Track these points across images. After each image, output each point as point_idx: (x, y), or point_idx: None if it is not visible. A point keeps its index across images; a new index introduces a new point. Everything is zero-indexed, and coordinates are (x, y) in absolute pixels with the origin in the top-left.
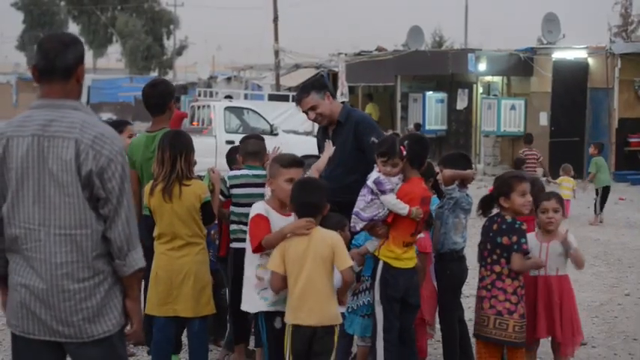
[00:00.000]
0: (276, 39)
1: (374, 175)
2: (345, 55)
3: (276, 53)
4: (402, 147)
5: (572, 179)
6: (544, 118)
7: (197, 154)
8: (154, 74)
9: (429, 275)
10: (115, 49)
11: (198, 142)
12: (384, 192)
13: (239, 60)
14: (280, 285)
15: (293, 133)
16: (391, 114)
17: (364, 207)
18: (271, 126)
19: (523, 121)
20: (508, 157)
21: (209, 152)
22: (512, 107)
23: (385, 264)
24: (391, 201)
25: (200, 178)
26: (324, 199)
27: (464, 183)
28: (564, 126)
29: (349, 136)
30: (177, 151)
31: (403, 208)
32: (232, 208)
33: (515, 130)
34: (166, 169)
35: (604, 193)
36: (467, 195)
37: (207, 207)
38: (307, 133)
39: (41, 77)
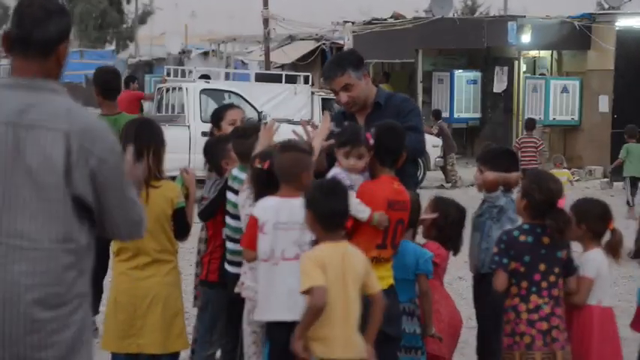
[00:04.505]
0: (266, 3)
1: (332, 171)
2: (353, 24)
3: (266, 22)
4: (368, 134)
5: (565, 171)
6: (604, 103)
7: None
8: (111, 47)
9: (446, 299)
10: None
11: (167, 133)
12: None
13: (218, 30)
14: (325, 303)
15: (287, 123)
16: None
17: None
18: (259, 113)
19: (578, 107)
20: (559, 152)
21: (181, 147)
22: (565, 89)
23: None
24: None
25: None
26: (348, 202)
27: (508, 187)
28: (630, 113)
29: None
30: (145, 144)
31: (362, 211)
32: (228, 221)
33: (568, 119)
34: None
35: (632, 184)
36: (512, 200)
37: (181, 215)
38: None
39: (13, 48)
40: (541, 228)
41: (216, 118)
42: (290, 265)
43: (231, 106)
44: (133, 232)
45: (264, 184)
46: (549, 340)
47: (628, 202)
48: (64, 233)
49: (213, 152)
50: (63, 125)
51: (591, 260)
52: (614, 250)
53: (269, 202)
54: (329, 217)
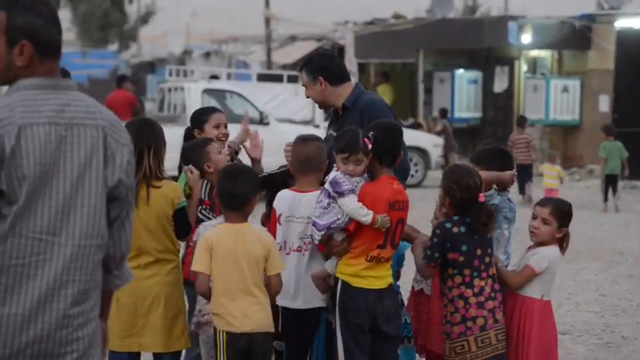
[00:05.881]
0: (267, 3)
1: (332, 174)
2: (354, 24)
3: (267, 22)
4: (366, 139)
5: (557, 167)
6: (605, 103)
7: (167, 149)
8: (113, 47)
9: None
10: (63, 16)
11: (168, 133)
12: (341, 194)
13: (220, 30)
14: (208, 288)
15: (288, 123)
16: (411, 98)
17: (321, 214)
18: (261, 113)
19: (578, 107)
20: (559, 152)
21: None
22: (565, 89)
23: (344, 283)
24: (350, 205)
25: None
26: (251, 189)
27: (503, 186)
28: (631, 112)
29: (354, 125)
30: (145, 143)
31: (365, 215)
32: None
33: (569, 119)
34: None
35: (608, 182)
36: (508, 199)
37: (182, 215)
38: (306, 123)
39: (46, 53)
40: (470, 217)
41: (200, 120)
42: (296, 255)
43: (214, 109)
44: (123, 247)
45: None
46: (499, 316)
47: (614, 197)
48: (98, 228)
49: (195, 156)
50: (98, 121)
51: (547, 255)
52: (563, 249)
53: (285, 194)
54: (226, 197)
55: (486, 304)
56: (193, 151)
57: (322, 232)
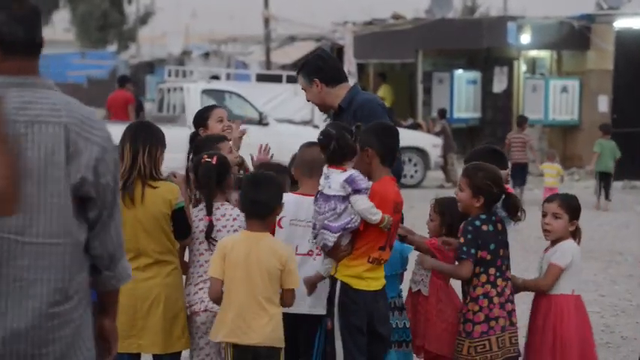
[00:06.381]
0: (267, 4)
1: (339, 175)
2: (353, 24)
3: (266, 22)
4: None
5: (556, 165)
6: (604, 103)
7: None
8: (112, 48)
9: (452, 298)
10: (62, 17)
11: (167, 133)
12: (359, 191)
13: (219, 30)
14: (220, 293)
15: (287, 123)
16: (410, 98)
17: (336, 218)
18: (260, 114)
19: (577, 107)
20: (559, 152)
21: (182, 147)
22: (564, 89)
23: (344, 285)
24: (363, 204)
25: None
26: (275, 198)
27: None
28: (630, 113)
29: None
30: (140, 143)
31: (375, 214)
32: None
33: (568, 119)
34: (126, 165)
35: (601, 180)
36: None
37: (180, 215)
38: (305, 123)
39: (10, 50)
40: (494, 215)
41: (202, 118)
42: (300, 259)
43: (214, 105)
44: (110, 250)
45: (215, 180)
46: (515, 320)
47: (607, 197)
48: (65, 227)
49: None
50: (62, 118)
51: (567, 250)
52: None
53: (288, 198)
54: (248, 203)
55: (506, 305)
56: (205, 145)
57: (337, 234)
